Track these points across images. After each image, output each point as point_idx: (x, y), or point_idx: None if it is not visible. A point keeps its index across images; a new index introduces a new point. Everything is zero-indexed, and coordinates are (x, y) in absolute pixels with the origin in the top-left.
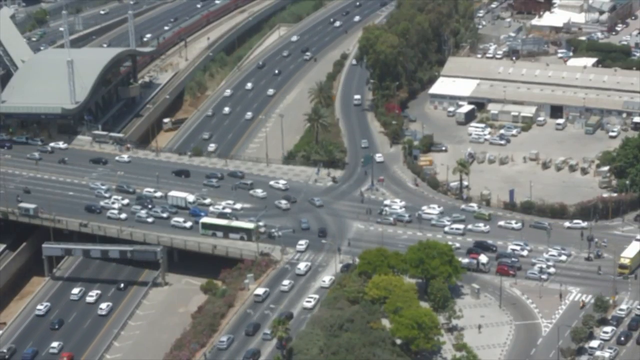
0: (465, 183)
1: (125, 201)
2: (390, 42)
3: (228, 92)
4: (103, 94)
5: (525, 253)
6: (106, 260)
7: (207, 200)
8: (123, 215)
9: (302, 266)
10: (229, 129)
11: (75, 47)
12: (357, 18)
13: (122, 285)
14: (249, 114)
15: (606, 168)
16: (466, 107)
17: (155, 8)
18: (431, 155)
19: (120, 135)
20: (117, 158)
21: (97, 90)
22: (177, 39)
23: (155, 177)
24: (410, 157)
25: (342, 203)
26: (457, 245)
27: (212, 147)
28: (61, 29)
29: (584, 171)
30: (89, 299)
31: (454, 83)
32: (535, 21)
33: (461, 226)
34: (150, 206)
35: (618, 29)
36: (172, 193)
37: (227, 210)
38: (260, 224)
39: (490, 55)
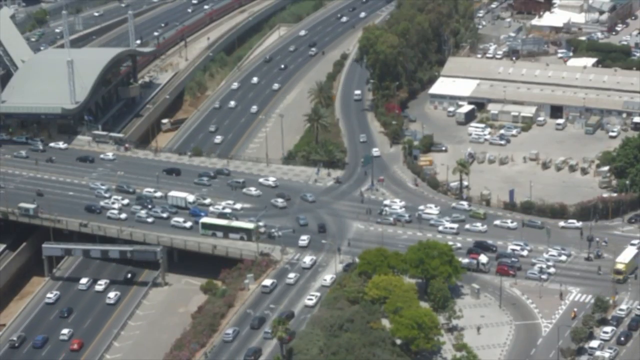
0: (465, 183)
1: (125, 201)
2: (390, 42)
3: (235, 85)
4: (103, 94)
5: (525, 253)
6: (106, 261)
7: (207, 201)
8: (123, 215)
9: (307, 260)
10: (234, 121)
11: (75, 47)
12: (362, 14)
13: (129, 275)
14: (254, 108)
15: (606, 168)
16: (466, 107)
17: (146, 13)
18: (431, 155)
19: (120, 135)
20: (101, 156)
21: (97, 90)
22: (180, 38)
23: (154, 177)
24: (410, 157)
25: (342, 203)
26: (459, 245)
27: (218, 139)
28: (57, 30)
29: (584, 171)
30: (98, 288)
31: (454, 83)
32: (535, 21)
33: (455, 225)
34: (150, 206)
35: (618, 29)
36: (172, 193)
37: (227, 210)
38: (260, 224)
39: (490, 55)
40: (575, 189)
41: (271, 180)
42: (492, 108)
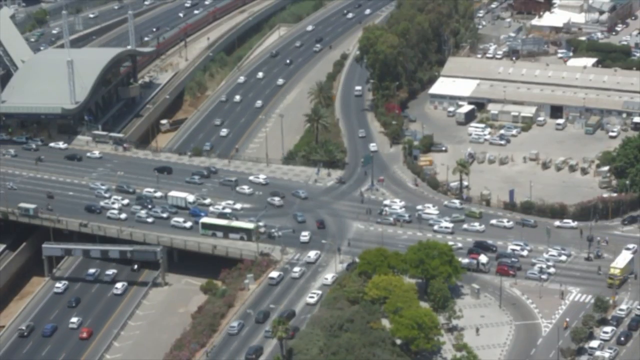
0: (465, 183)
1: (125, 201)
2: (390, 42)
3: (242, 79)
4: (103, 94)
5: (525, 253)
6: (106, 261)
7: (207, 201)
8: (123, 216)
9: (312, 254)
10: (240, 115)
11: (75, 47)
12: (367, 11)
13: (135, 266)
14: (259, 102)
15: (606, 168)
16: (466, 107)
17: (144, 14)
18: (431, 155)
19: (120, 135)
20: (88, 154)
21: (97, 90)
22: (183, 36)
23: (154, 177)
24: (410, 157)
25: (342, 203)
26: (459, 245)
27: (224, 132)
28: (54, 32)
29: (584, 171)
30: (106, 278)
31: (454, 83)
32: (535, 21)
33: (450, 225)
34: (150, 206)
35: (618, 29)
36: (172, 193)
37: (227, 210)
38: (260, 224)
39: (490, 56)
40: (575, 189)
41: (262, 178)
42: (492, 108)
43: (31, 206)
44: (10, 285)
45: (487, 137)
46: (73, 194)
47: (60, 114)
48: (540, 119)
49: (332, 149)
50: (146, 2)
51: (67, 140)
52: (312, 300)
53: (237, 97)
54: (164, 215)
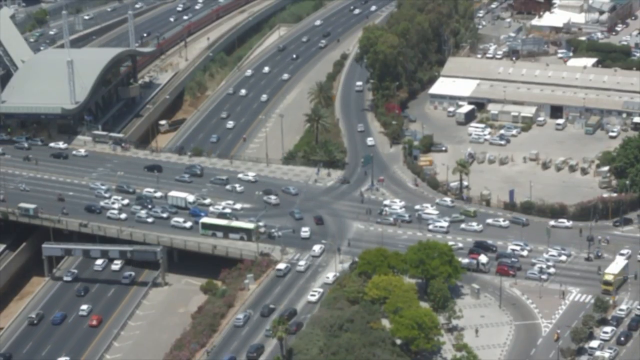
0: (465, 183)
1: (125, 201)
2: (390, 42)
3: (249, 72)
4: (103, 94)
5: (525, 253)
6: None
7: (207, 201)
8: (123, 216)
9: (316, 248)
10: (245, 108)
11: (75, 47)
12: (373, 7)
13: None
14: (264, 97)
15: (606, 168)
16: (466, 107)
17: (139, 15)
18: (431, 155)
19: (120, 135)
20: (74, 152)
21: (97, 90)
22: (187, 34)
23: (154, 177)
24: (410, 157)
25: (342, 203)
26: (460, 245)
27: (230, 124)
28: (51, 33)
29: (584, 171)
30: (114, 267)
31: (454, 83)
32: (535, 21)
33: (445, 224)
34: (150, 206)
35: (618, 29)
36: (172, 193)
37: (227, 211)
38: (260, 224)
39: (490, 56)
40: (575, 189)
41: (251, 176)
42: (492, 108)
43: (31, 206)
44: (10, 285)
45: (487, 137)
46: (73, 194)
47: (60, 114)
48: (540, 119)
49: (332, 149)
50: (137, 5)
51: (67, 141)
52: (313, 299)
53: (243, 91)
54: (164, 215)
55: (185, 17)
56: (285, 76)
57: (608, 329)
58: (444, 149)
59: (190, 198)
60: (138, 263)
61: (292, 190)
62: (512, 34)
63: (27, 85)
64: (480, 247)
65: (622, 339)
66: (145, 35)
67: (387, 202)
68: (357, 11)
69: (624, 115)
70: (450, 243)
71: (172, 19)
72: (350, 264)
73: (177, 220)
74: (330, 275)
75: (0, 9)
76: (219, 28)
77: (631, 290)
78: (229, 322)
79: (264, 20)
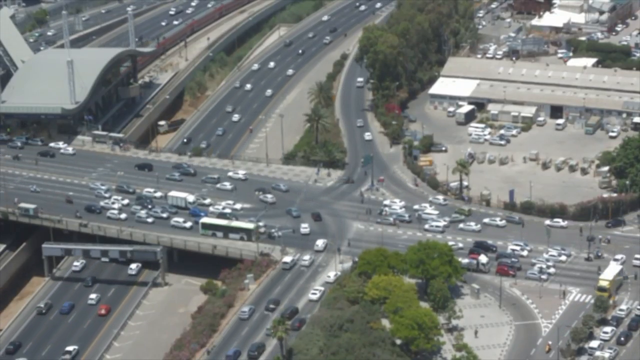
0: (465, 183)
1: (125, 201)
2: (390, 42)
3: (255, 66)
4: (103, 94)
5: (525, 253)
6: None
7: (207, 201)
8: (123, 216)
9: (320, 243)
10: (251, 102)
11: (75, 47)
12: (378, 4)
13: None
14: (269, 91)
15: (606, 168)
16: (466, 107)
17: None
18: (431, 155)
19: (120, 135)
20: (61, 151)
21: (97, 90)
22: (189, 32)
23: (154, 177)
24: (410, 157)
25: (342, 203)
26: (460, 245)
27: (236, 117)
28: (49, 33)
29: (584, 171)
30: (131, 272)
31: (454, 83)
32: (535, 21)
33: (440, 224)
34: (150, 206)
35: (618, 29)
36: (172, 193)
37: (227, 211)
38: (260, 224)
39: (490, 56)
40: (575, 189)
41: (241, 174)
42: (492, 108)
43: (31, 206)
44: (10, 285)
45: (487, 137)
46: (73, 194)
47: (60, 114)
48: (540, 119)
49: (332, 149)
50: (128, 9)
51: (67, 141)
52: (314, 297)
53: (249, 86)
54: (164, 215)
55: (175, 22)
56: (290, 72)
57: (608, 329)
58: (444, 149)
59: (190, 198)
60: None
61: (283, 186)
62: (512, 34)
63: (27, 85)
64: (480, 247)
65: (622, 339)
66: (137, 40)
67: (387, 202)
68: (362, 7)
69: (624, 115)
70: (450, 243)
71: (163, 23)
72: (353, 263)
73: (177, 220)
74: (331, 274)
75: (0, 9)
76: (219, 28)
77: (631, 290)
78: (229, 322)
79: (264, 20)
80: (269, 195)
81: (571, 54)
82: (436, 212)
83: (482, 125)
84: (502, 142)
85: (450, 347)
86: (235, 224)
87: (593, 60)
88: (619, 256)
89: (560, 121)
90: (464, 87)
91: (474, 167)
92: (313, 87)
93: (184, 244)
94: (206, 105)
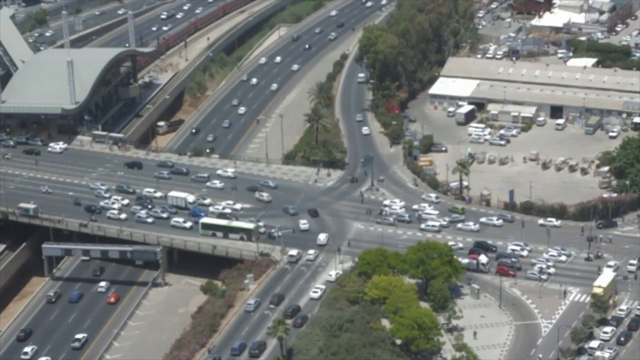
0: (465, 183)
1: (125, 201)
2: (390, 42)
3: (263, 59)
4: (103, 94)
5: (525, 253)
6: (106, 261)
7: (207, 201)
8: (123, 216)
9: (322, 237)
10: (256, 96)
11: (75, 47)
12: (384, 1)
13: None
14: (274, 86)
15: (606, 168)
16: (466, 108)
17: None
18: (431, 155)
19: (120, 135)
20: (49, 149)
21: (97, 90)
22: (193, 30)
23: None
24: (410, 157)
25: (342, 203)
26: (460, 245)
27: (242, 110)
28: (47, 34)
29: (584, 171)
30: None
31: (454, 83)
32: (535, 21)
33: (437, 223)
34: (150, 206)
35: (618, 29)
36: (172, 193)
37: (227, 211)
38: (260, 224)
39: (490, 56)
40: (575, 189)
41: (230, 172)
42: (492, 108)
43: (31, 206)
44: (10, 285)
45: (487, 137)
46: (73, 194)
47: (60, 114)
48: (540, 119)
49: (332, 149)
50: (119, 12)
51: (67, 141)
52: (316, 295)
53: (254, 80)
54: (164, 215)
55: (165, 28)
56: (295, 67)
57: (608, 329)
58: (443, 149)
59: (190, 198)
60: (130, 274)
61: (271, 183)
62: (512, 34)
63: (27, 85)
64: (480, 247)
65: (622, 339)
66: (127, 45)
67: (387, 202)
68: (369, 4)
69: (624, 115)
70: (450, 243)
71: (154, 28)
72: (354, 263)
73: (177, 220)
74: (332, 273)
75: (0, 9)
76: (219, 28)
77: (631, 290)
78: (229, 322)
79: (264, 20)
80: (265, 194)
81: (571, 54)
82: (436, 212)
83: (482, 126)
84: (502, 142)
85: (450, 347)
86: (235, 224)
87: (593, 60)
88: (612, 262)
89: (560, 121)
90: (464, 87)
91: (474, 167)
92: (313, 87)
93: (184, 244)
94: (208, 103)
